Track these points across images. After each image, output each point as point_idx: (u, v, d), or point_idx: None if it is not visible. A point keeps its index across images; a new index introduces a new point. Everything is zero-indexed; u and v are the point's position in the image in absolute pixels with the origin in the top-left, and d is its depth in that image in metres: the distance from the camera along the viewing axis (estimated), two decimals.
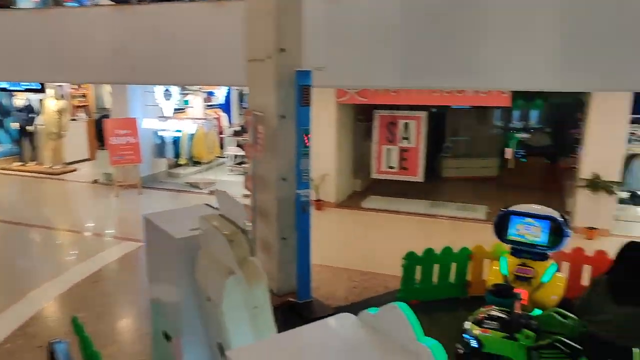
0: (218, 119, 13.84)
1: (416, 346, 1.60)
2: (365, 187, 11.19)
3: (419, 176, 10.02)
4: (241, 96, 16.18)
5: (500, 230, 5.51)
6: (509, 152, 10.02)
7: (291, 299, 5.54)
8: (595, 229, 8.04)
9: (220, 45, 8.52)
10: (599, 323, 3.05)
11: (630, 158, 8.88)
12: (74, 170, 12.92)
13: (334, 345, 1.71)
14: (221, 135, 13.63)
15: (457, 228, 8.61)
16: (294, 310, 5.38)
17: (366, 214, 9.63)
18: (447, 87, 8.50)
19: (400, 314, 1.69)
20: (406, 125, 10.05)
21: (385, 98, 9.49)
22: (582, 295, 3.18)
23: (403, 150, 10.09)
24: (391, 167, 10.19)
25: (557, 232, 5.25)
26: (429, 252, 5.71)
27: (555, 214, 5.38)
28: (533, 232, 5.35)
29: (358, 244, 7.95)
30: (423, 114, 9.93)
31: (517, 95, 12.04)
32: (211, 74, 9.13)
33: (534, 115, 14.39)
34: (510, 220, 5.47)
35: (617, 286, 3.26)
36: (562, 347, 4.06)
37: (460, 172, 12.32)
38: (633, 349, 3.53)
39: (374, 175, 10.25)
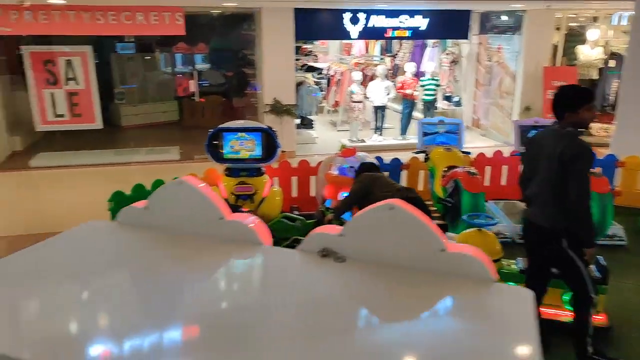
0: None
1: None
2: (29, 145, 9.03)
3: (97, 122, 8.57)
4: None
5: (215, 151, 5.08)
6: (192, 84, 9.56)
7: None
8: (284, 151, 8.49)
9: None
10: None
11: (298, 85, 9.68)
12: None
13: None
14: None
15: (153, 171, 7.72)
16: None
17: (38, 173, 7.79)
18: None
19: None
20: (69, 63, 8.34)
21: (34, 27, 7.60)
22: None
23: (72, 94, 8.40)
24: (60, 116, 8.39)
25: (269, 143, 5.17)
26: (138, 188, 4.83)
27: (264, 125, 5.28)
28: (247, 147, 5.11)
29: (37, 207, 6.29)
30: (88, 49, 8.39)
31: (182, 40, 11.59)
32: None
33: (198, 59, 14.18)
34: (223, 138, 5.08)
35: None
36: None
37: (141, 119, 11.32)
38: None
39: (39, 127, 8.26)
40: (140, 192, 4.81)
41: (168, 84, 12.30)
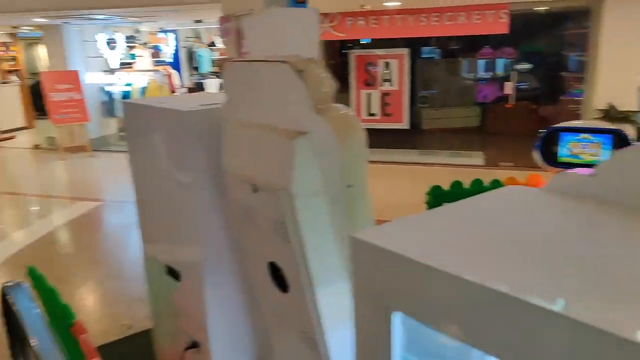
0: (169, 76, 12.11)
1: None
2: None
3: (404, 123, 8.81)
4: (190, 55, 14.47)
5: (548, 153, 4.36)
6: (509, 87, 8.92)
7: None
8: None
9: None
10: None
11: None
12: (12, 138, 11.09)
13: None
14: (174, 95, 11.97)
15: (460, 174, 7.41)
16: None
17: None
18: None
19: None
20: (387, 65, 8.74)
21: (365, 31, 8.19)
22: None
23: (385, 95, 8.82)
24: (372, 115, 8.91)
25: (620, 148, 4.16)
26: (456, 184, 4.49)
27: (616, 127, 4.29)
28: (591, 151, 4.21)
29: None
30: (405, 51, 8.62)
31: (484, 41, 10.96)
32: None
33: (500, 64, 13.10)
34: (560, 139, 4.32)
35: None
36: None
37: (441, 123, 11.25)
38: None
39: None
40: (457, 189, 4.48)
41: (470, 89, 11.93)
